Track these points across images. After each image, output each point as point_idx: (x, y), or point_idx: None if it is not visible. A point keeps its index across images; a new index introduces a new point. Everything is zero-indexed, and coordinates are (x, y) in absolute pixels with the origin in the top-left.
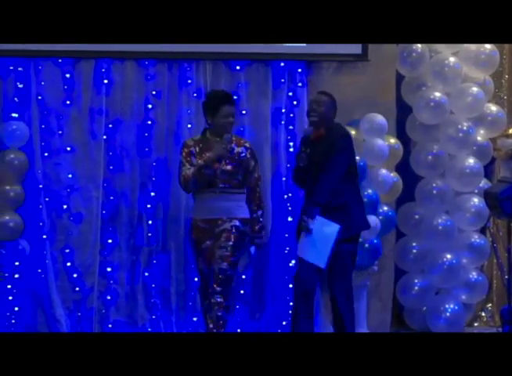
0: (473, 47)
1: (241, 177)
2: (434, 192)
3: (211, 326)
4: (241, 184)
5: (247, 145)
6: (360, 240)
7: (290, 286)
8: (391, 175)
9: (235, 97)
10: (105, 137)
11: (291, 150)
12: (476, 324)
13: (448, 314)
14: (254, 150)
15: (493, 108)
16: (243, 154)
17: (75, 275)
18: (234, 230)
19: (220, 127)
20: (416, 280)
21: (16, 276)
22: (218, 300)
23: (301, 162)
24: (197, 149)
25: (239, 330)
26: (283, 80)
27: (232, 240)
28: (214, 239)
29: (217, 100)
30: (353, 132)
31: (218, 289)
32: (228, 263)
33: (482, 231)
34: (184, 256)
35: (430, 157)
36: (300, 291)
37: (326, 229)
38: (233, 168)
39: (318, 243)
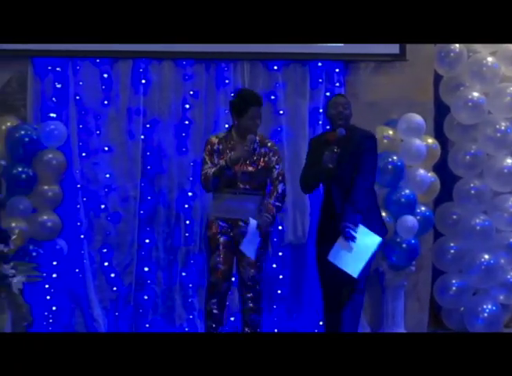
0: (511, 47)
1: (262, 178)
2: (472, 192)
3: (247, 329)
4: (262, 185)
5: (270, 145)
6: (398, 240)
7: None
8: (429, 175)
9: (272, 97)
10: (142, 137)
11: None
12: None
13: (485, 314)
14: (277, 149)
15: None
16: (266, 156)
17: (113, 274)
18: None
19: (246, 128)
20: (453, 281)
21: (54, 275)
22: (250, 305)
23: (330, 163)
24: (221, 147)
25: (276, 330)
26: (320, 80)
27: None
28: (233, 238)
29: (245, 101)
30: (390, 132)
31: (249, 295)
32: (255, 269)
33: None
34: None
35: (468, 157)
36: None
37: (368, 240)
38: (255, 169)
39: (356, 252)
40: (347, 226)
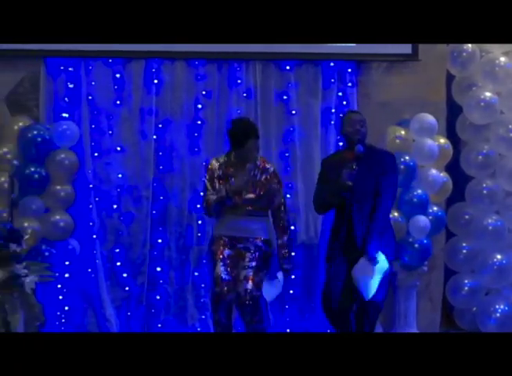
0: None
1: (265, 202)
2: (485, 192)
3: None
4: (265, 207)
5: (272, 169)
6: (410, 240)
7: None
8: (441, 175)
9: (284, 97)
10: (155, 137)
11: None
12: None
13: (498, 315)
14: (278, 173)
15: None
16: (267, 182)
17: (125, 274)
18: (257, 251)
19: (244, 158)
20: (466, 281)
21: (67, 275)
22: (249, 319)
23: (349, 180)
24: (221, 172)
25: (288, 330)
26: (332, 80)
27: (256, 260)
28: (236, 252)
29: (244, 133)
30: (403, 132)
31: (247, 309)
32: (253, 283)
33: None
34: None
35: (480, 157)
36: (332, 310)
37: (382, 264)
38: (256, 196)
39: (375, 273)
40: (374, 253)
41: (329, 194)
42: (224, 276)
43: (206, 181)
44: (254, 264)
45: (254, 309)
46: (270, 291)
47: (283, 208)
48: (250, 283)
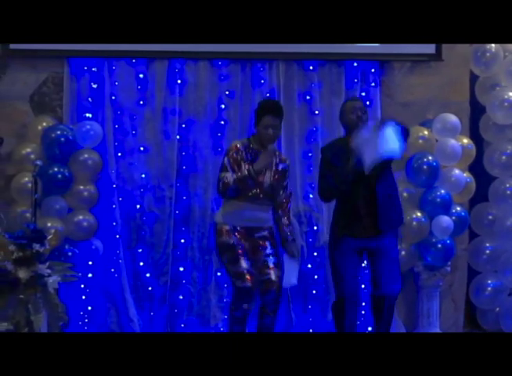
0: None
1: (276, 191)
2: (508, 192)
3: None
4: (273, 196)
5: (287, 162)
6: (433, 240)
7: (363, 286)
8: (464, 175)
9: (307, 97)
10: (178, 137)
11: None
12: None
13: None
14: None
15: None
16: (282, 173)
17: (148, 274)
18: (270, 237)
19: (260, 137)
20: (489, 281)
21: (90, 275)
22: (272, 308)
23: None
24: (243, 154)
25: (311, 330)
26: (356, 80)
27: (274, 247)
28: (254, 242)
29: (261, 109)
30: (426, 132)
31: (275, 296)
32: (280, 270)
33: None
34: None
35: (503, 157)
36: (341, 304)
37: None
38: (278, 183)
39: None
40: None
41: (338, 181)
42: (249, 271)
43: (225, 161)
44: (273, 251)
45: (278, 296)
46: (291, 278)
47: (290, 199)
48: (273, 272)
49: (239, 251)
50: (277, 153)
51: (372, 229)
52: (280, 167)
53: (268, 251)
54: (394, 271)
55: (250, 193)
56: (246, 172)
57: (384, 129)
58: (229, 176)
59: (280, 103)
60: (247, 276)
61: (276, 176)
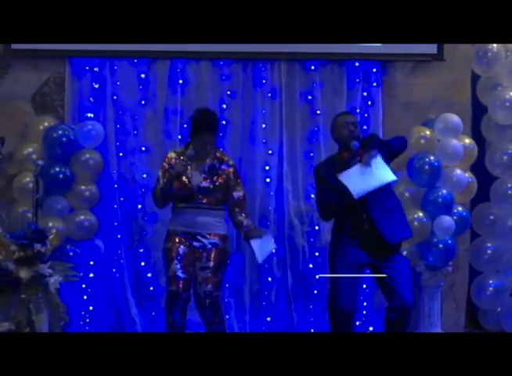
0: None
1: (221, 195)
2: (510, 192)
3: None
4: (221, 201)
5: (231, 162)
6: (434, 240)
7: (364, 286)
8: (466, 175)
9: (309, 97)
10: (180, 137)
11: None
12: None
13: None
14: (237, 170)
15: None
16: (224, 173)
17: (149, 274)
18: (214, 249)
19: (196, 149)
20: (490, 281)
21: (91, 275)
22: (210, 320)
23: None
24: (174, 163)
25: (312, 330)
26: (357, 80)
27: (213, 260)
28: (192, 249)
29: (200, 124)
30: (428, 132)
31: (208, 311)
32: (213, 285)
33: None
34: None
35: (505, 157)
36: (338, 315)
37: (383, 172)
38: (212, 185)
39: (368, 177)
40: (372, 153)
41: (338, 197)
42: (180, 275)
43: (159, 172)
44: (212, 264)
45: (214, 310)
46: (262, 249)
47: (243, 203)
48: (210, 285)
49: (174, 255)
50: (218, 154)
51: (382, 248)
52: (221, 167)
53: (203, 264)
54: (410, 279)
55: (189, 198)
56: (165, 179)
57: (369, 162)
58: (158, 187)
59: (217, 116)
60: (176, 280)
61: (216, 177)
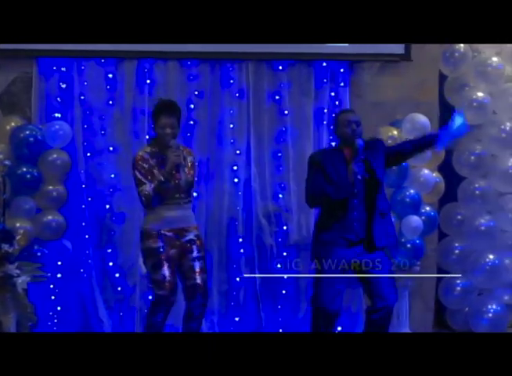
0: None
1: (192, 186)
2: (477, 192)
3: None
4: (191, 192)
5: (192, 154)
6: (402, 240)
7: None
8: (434, 175)
9: (277, 97)
10: (147, 137)
11: None
12: None
13: (490, 315)
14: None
15: None
16: (192, 164)
17: (117, 275)
18: (197, 240)
19: (160, 138)
20: (458, 281)
21: (59, 275)
22: (199, 312)
23: (364, 173)
24: (150, 160)
25: (280, 330)
26: (325, 80)
27: (201, 250)
28: (181, 248)
29: (155, 111)
30: (395, 132)
31: (198, 302)
32: (205, 273)
33: None
34: (226, 256)
35: (472, 157)
36: (321, 315)
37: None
38: (186, 178)
39: None
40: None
41: (334, 189)
42: (170, 279)
43: (138, 175)
44: (201, 254)
45: (205, 300)
46: None
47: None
48: (199, 276)
49: (163, 257)
50: (181, 147)
51: (367, 244)
52: (189, 160)
53: (195, 254)
54: (393, 281)
55: (171, 195)
56: (161, 177)
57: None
58: (148, 188)
59: (175, 103)
60: (166, 284)
61: (191, 171)
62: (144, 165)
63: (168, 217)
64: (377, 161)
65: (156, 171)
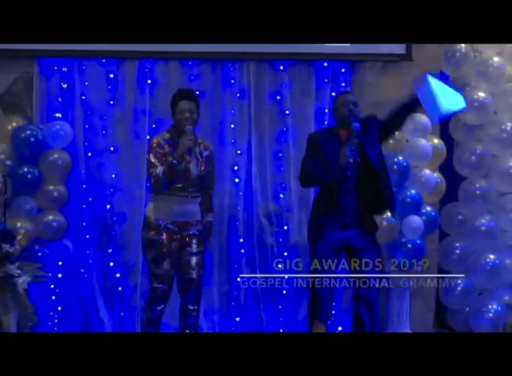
0: None
1: (206, 181)
2: (478, 192)
3: (188, 331)
4: (202, 187)
5: (211, 148)
6: (403, 240)
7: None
8: (435, 175)
9: (278, 97)
10: (148, 137)
11: None
12: None
13: (490, 315)
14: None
15: None
16: (209, 159)
17: (118, 275)
18: (199, 234)
19: (179, 123)
20: (458, 281)
21: (60, 275)
22: (193, 307)
23: (352, 158)
24: (165, 145)
25: (281, 330)
26: (326, 80)
27: (200, 245)
28: (182, 242)
29: (174, 97)
30: (396, 132)
31: (197, 296)
32: (202, 269)
33: None
34: (227, 255)
35: (473, 157)
36: (317, 298)
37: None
38: (199, 172)
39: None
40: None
41: (326, 170)
42: (170, 274)
43: (151, 157)
44: (201, 249)
45: (198, 295)
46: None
47: (212, 186)
48: (195, 271)
49: (165, 250)
50: (199, 140)
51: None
52: (205, 154)
53: (194, 249)
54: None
55: (180, 185)
56: (171, 159)
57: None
58: (158, 170)
59: (194, 90)
60: (166, 278)
61: (204, 165)
62: (159, 150)
63: (174, 209)
64: (373, 147)
65: (168, 157)
